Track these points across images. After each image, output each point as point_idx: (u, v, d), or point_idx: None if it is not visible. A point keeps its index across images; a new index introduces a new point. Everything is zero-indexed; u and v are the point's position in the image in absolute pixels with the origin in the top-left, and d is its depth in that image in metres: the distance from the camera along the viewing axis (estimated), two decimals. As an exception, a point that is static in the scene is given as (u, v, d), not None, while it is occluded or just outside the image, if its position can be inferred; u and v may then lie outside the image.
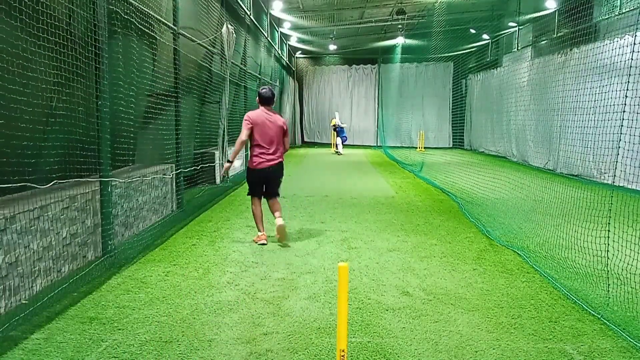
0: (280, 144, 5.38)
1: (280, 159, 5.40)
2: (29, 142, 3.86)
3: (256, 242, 5.38)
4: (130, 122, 5.46)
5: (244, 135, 5.23)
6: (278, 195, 5.54)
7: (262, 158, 5.27)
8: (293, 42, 20.82)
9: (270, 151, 5.29)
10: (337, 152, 19.32)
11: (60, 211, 4.07)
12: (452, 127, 22.96)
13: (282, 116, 5.65)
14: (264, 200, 5.53)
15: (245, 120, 5.29)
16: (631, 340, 3.09)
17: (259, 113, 5.30)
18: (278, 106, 18.33)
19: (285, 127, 5.42)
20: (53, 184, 3.83)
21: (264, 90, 5.38)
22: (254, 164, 5.29)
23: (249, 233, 5.89)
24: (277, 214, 5.38)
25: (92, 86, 4.53)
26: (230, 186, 9.53)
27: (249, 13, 11.81)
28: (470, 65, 20.68)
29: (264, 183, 5.42)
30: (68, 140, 4.42)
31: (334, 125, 19.59)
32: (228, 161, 5.40)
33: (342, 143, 19.58)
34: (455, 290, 4.02)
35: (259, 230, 5.44)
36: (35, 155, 4.06)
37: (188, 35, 7.31)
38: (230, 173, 10.14)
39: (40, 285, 3.77)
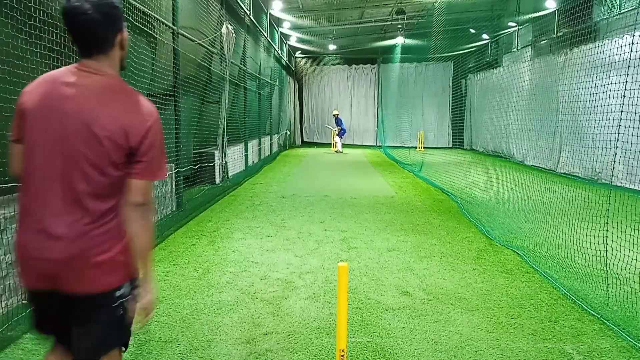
0: (92, 187, 1.66)
1: (83, 241, 1.65)
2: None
3: None
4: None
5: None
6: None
7: (28, 233, 1.76)
8: (293, 42, 20.82)
9: (49, 211, 1.66)
10: (337, 151, 19.45)
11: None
12: (452, 126, 22.96)
13: (145, 106, 1.73)
14: None
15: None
16: (631, 340, 3.09)
17: (47, 80, 1.70)
18: (278, 106, 18.33)
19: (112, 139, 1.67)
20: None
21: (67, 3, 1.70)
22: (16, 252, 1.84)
23: (249, 233, 5.89)
24: None
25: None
26: (230, 186, 9.53)
27: (248, 13, 11.81)
28: (470, 65, 20.68)
29: (51, 314, 1.80)
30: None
31: (335, 115, 20.04)
32: None
33: (341, 137, 19.89)
34: (455, 290, 4.02)
35: None
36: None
37: (187, 34, 7.31)
38: (230, 172, 10.15)
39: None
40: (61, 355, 1.88)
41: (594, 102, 8.63)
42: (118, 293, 1.70)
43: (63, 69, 1.71)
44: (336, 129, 20.07)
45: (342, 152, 19.35)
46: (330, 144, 21.45)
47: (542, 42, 14.83)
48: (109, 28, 1.68)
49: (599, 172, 10.14)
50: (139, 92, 1.77)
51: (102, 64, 1.69)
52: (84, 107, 1.61)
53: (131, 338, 1.85)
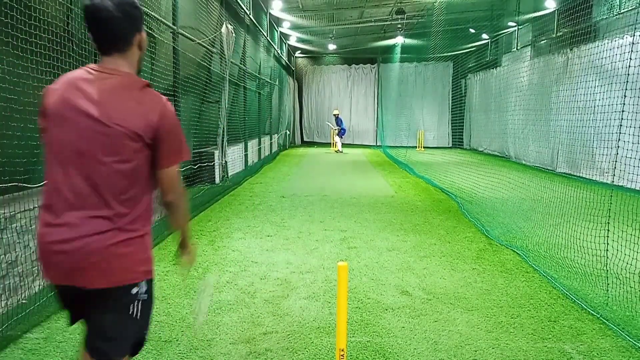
0: (118, 186, 1.68)
1: (103, 243, 1.65)
2: (26, 141, 3.85)
3: None
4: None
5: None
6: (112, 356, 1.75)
7: (47, 226, 1.69)
8: (292, 41, 20.81)
9: (72, 209, 1.66)
10: (337, 151, 19.47)
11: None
12: (452, 126, 22.97)
13: (157, 97, 1.80)
14: None
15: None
16: (630, 339, 3.09)
17: (66, 80, 1.74)
18: (277, 106, 18.31)
19: (143, 131, 1.70)
20: (45, 184, 3.81)
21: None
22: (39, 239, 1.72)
23: (249, 233, 5.89)
24: None
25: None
26: (229, 186, 9.52)
27: (248, 12, 11.81)
28: (470, 65, 20.68)
29: (70, 304, 1.80)
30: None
31: (336, 115, 20.08)
32: None
33: (341, 137, 19.89)
34: (455, 289, 4.02)
35: None
36: (32, 154, 4.05)
37: (187, 34, 7.30)
38: (230, 172, 10.14)
39: (40, 285, 3.77)
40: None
41: (594, 101, 8.63)
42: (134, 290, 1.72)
43: (82, 69, 1.74)
44: (336, 128, 20.09)
45: (342, 152, 19.36)
46: (330, 143, 21.46)
47: (542, 42, 14.83)
48: (128, 27, 1.75)
49: (601, 172, 10.13)
50: (150, 86, 1.79)
51: (120, 63, 1.75)
52: (99, 107, 1.65)
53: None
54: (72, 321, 1.83)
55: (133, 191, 1.69)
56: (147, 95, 1.75)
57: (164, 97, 1.80)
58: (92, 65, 1.75)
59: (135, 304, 1.74)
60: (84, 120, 1.65)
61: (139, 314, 1.75)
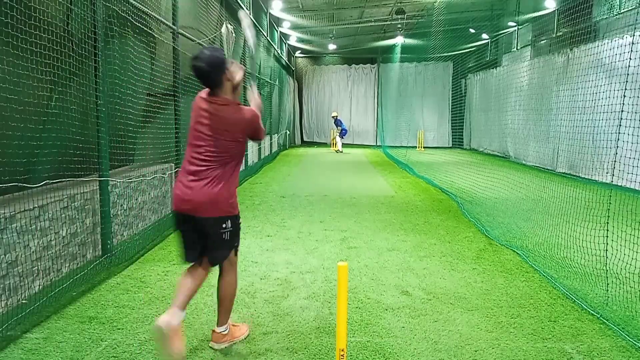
0: (216, 163, 2.83)
1: (207, 192, 2.81)
2: (26, 141, 3.86)
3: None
4: (129, 121, 5.45)
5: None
6: (216, 262, 3.16)
7: (179, 186, 2.89)
8: (292, 41, 20.81)
9: (191, 173, 2.83)
10: (337, 150, 19.50)
11: (60, 210, 4.07)
12: (452, 126, 22.97)
13: (243, 111, 2.88)
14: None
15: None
16: (630, 339, 3.09)
17: (197, 99, 2.93)
18: (277, 106, 18.32)
19: (240, 131, 2.87)
20: (44, 184, 3.83)
21: (196, 58, 2.80)
22: (174, 198, 2.92)
23: (249, 232, 5.89)
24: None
25: (90, 85, 4.53)
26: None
27: (248, 12, 11.81)
28: (470, 65, 20.68)
29: (192, 234, 2.98)
30: (66, 139, 4.42)
31: (334, 117, 20.17)
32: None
33: (342, 137, 19.95)
34: (455, 289, 4.02)
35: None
36: (32, 154, 4.05)
37: (187, 34, 7.30)
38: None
39: (40, 285, 3.77)
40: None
41: (594, 101, 8.62)
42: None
43: (203, 93, 2.89)
44: (337, 129, 20.13)
45: (342, 151, 19.39)
46: (330, 143, 21.47)
47: (542, 41, 14.83)
48: (218, 74, 2.79)
49: (600, 171, 10.14)
50: (240, 103, 2.91)
51: (219, 93, 2.84)
52: (210, 119, 2.81)
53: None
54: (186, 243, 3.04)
55: (227, 163, 2.87)
56: (238, 112, 2.85)
57: (248, 110, 2.89)
58: (205, 94, 2.87)
59: (226, 232, 3.00)
60: (201, 127, 2.82)
61: (228, 236, 3.02)
